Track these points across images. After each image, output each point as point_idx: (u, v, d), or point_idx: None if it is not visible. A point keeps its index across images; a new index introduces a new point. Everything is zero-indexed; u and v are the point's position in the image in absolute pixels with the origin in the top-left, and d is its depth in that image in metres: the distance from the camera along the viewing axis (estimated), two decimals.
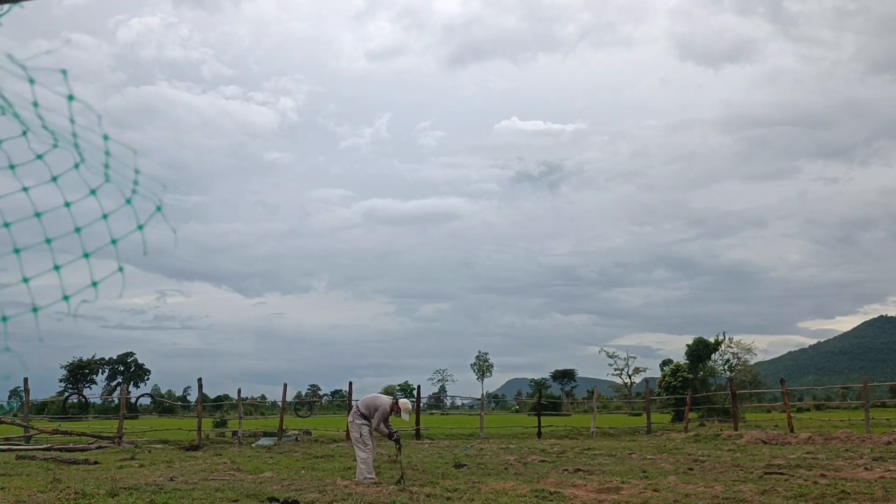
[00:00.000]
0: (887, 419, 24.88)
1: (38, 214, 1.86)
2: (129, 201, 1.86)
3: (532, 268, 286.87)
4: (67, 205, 1.90)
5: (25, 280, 1.88)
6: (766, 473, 10.69)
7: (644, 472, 11.27)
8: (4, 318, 1.83)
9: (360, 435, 10.06)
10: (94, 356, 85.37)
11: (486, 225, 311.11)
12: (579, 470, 11.63)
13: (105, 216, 1.90)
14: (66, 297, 1.91)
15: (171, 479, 10.30)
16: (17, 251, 1.89)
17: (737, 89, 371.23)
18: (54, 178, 1.88)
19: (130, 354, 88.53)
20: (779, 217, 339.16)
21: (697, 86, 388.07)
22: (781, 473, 10.59)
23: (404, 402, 10.41)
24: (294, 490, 9.00)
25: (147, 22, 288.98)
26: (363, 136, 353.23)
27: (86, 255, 1.97)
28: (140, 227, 1.87)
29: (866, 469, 10.86)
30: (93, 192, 1.89)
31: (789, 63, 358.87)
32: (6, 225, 1.87)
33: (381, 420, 10.08)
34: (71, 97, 1.75)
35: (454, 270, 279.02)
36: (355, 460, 10.35)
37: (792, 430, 20.45)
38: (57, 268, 1.93)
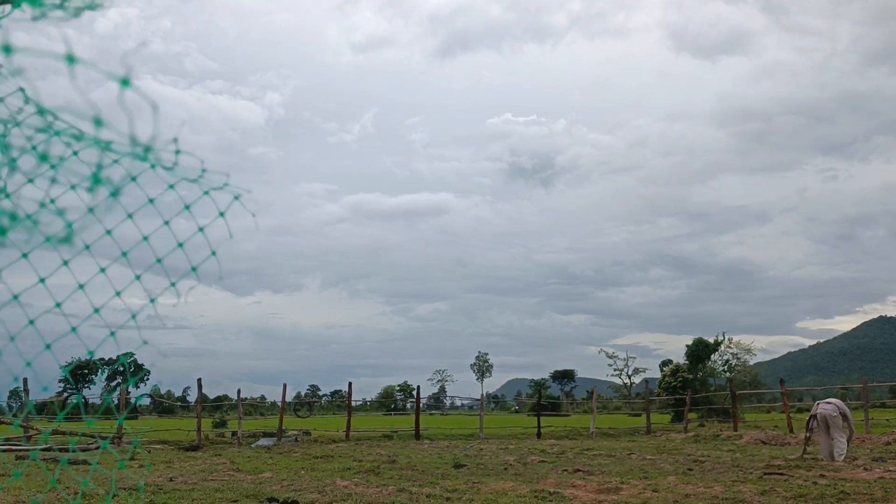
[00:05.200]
0: (887, 419, 24.90)
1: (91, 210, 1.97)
2: (207, 193, 1.96)
3: (528, 266, 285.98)
4: (130, 216, 2.01)
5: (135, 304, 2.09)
6: (765, 474, 10.69)
7: (644, 472, 11.27)
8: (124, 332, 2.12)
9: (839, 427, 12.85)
10: (91, 356, 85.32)
11: (480, 221, 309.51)
12: (579, 470, 11.62)
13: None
14: (152, 300, 2.08)
15: (171, 480, 10.30)
16: (103, 270, 2.01)
17: (733, 82, 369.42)
18: (137, 178, 1.97)
19: (130, 355, 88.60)
20: (779, 212, 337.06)
21: (693, 78, 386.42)
22: (781, 474, 10.59)
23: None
24: (294, 490, 9.00)
25: (125, 12, 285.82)
26: (351, 132, 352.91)
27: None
28: (222, 214, 2.00)
29: (866, 469, 10.86)
30: (172, 186, 1.98)
31: (783, 55, 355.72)
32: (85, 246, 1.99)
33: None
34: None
35: (449, 269, 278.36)
36: (831, 449, 12.80)
37: (792, 431, 20.44)
38: (144, 291, 2.10)
